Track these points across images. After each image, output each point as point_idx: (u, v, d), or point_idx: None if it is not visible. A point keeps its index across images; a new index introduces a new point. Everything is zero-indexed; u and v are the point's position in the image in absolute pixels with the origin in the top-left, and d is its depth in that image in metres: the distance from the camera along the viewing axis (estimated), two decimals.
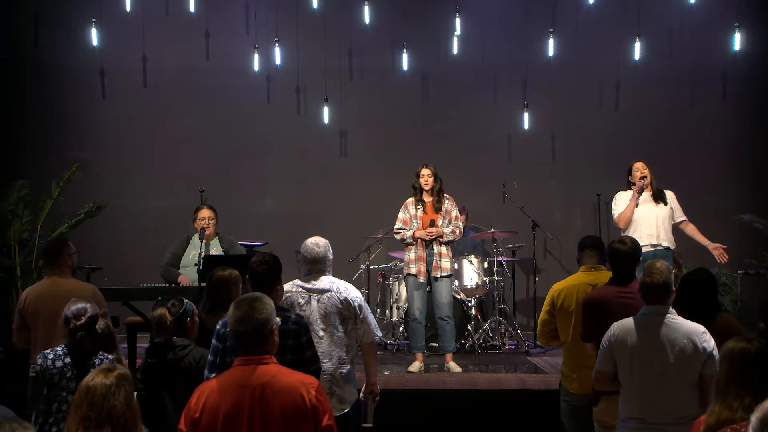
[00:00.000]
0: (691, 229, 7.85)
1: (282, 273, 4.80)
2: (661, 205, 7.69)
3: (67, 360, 4.51)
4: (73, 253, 5.95)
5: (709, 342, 4.19)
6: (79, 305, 4.62)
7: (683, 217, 7.82)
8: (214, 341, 4.37)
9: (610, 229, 8.68)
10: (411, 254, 7.83)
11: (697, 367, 4.17)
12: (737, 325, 4.84)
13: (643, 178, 7.65)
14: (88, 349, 4.58)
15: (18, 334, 5.78)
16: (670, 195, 7.80)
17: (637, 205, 7.63)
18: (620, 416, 4.34)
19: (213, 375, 4.29)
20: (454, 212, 7.87)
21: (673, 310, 4.30)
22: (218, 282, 4.98)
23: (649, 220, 7.62)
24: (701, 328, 4.25)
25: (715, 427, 3.29)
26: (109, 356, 4.61)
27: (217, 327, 4.42)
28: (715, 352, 4.11)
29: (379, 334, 5.23)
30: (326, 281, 5.08)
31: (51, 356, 4.55)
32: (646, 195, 7.72)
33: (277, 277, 4.55)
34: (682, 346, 4.19)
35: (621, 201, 7.76)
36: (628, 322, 4.33)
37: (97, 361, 4.51)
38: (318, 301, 5.02)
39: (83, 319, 4.58)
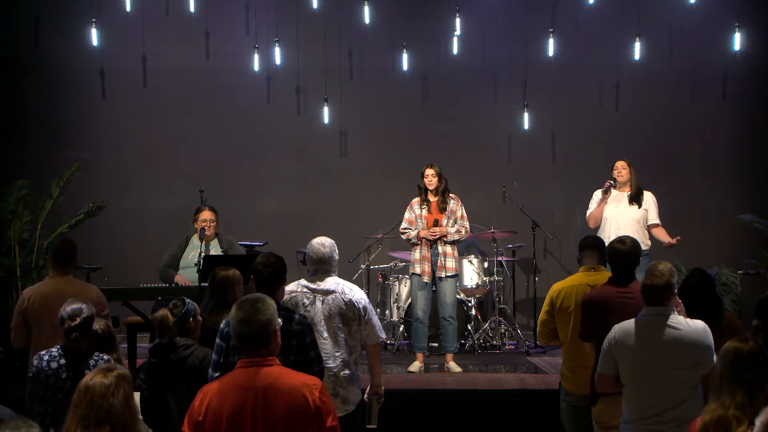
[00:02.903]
0: (657, 232, 7.85)
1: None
2: (634, 206, 7.74)
3: (62, 361, 4.47)
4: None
5: (711, 339, 4.18)
6: (75, 306, 4.58)
7: (656, 221, 7.84)
8: (218, 340, 4.37)
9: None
10: (416, 254, 7.83)
11: (700, 368, 4.16)
12: (740, 323, 4.86)
13: (615, 179, 7.73)
14: (83, 351, 4.53)
15: (17, 333, 5.75)
16: (647, 196, 7.83)
17: (606, 202, 7.71)
18: (623, 418, 4.33)
19: (217, 374, 4.29)
20: (460, 212, 7.87)
21: (675, 311, 4.29)
22: (222, 281, 4.97)
23: (617, 220, 7.69)
24: (701, 325, 4.23)
25: (709, 424, 3.34)
26: (104, 357, 4.58)
27: (221, 326, 4.41)
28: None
29: (383, 336, 5.23)
30: (331, 282, 5.07)
31: (46, 357, 4.51)
32: (623, 195, 7.79)
33: (282, 279, 4.53)
34: (684, 348, 4.16)
35: (594, 200, 7.89)
36: (629, 324, 4.30)
37: (92, 362, 4.48)
38: (323, 302, 5.01)
39: (78, 320, 4.53)
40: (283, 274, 4.54)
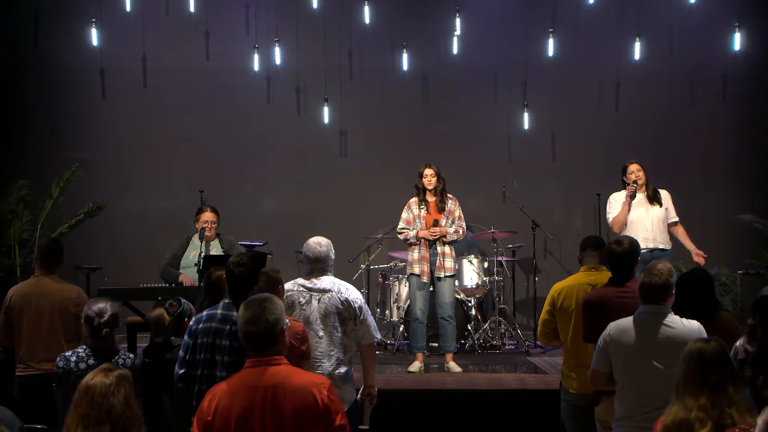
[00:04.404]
0: (680, 232, 7.85)
1: (282, 274, 4.81)
2: (656, 206, 7.71)
3: (91, 361, 4.43)
4: None
5: None
6: (100, 305, 4.60)
7: (675, 218, 7.84)
8: (185, 337, 4.36)
9: (610, 228, 8.69)
10: (414, 254, 7.82)
11: None
12: (736, 323, 4.85)
13: (635, 182, 7.65)
14: (111, 350, 4.54)
15: (4, 332, 5.83)
16: (665, 195, 7.81)
17: (630, 207, 7.65)
18: (615, 415, 4.34)
19: (182, 371, 4.30)
20: (458, 212, 7.87)
21: (671, 311, 4.29)
22: (216, 281, 4.98)
23: (644, 222, 7.64)
24: (696, 326, 4.23)
25: (671, 426, 3.30)
26: (131, 355, 4.61)
27: (190, 323, 4.42)
28: None
29: (378, 336, 5.24)
30: (327, 281, 5.08)
31: (73, 359, 4.48)
32: (641, 196, 7.73)
33: (255, 279, 4.46)
34: (678, 347, 4.15)
35: (615, 204, 7.80)
36: (625, 321, 4.32)
37: (120, 360, 4.48)
38: (318, 300, 5.02)
39: (106, 317, 4.54)
40: (256, 274, 4.47)
